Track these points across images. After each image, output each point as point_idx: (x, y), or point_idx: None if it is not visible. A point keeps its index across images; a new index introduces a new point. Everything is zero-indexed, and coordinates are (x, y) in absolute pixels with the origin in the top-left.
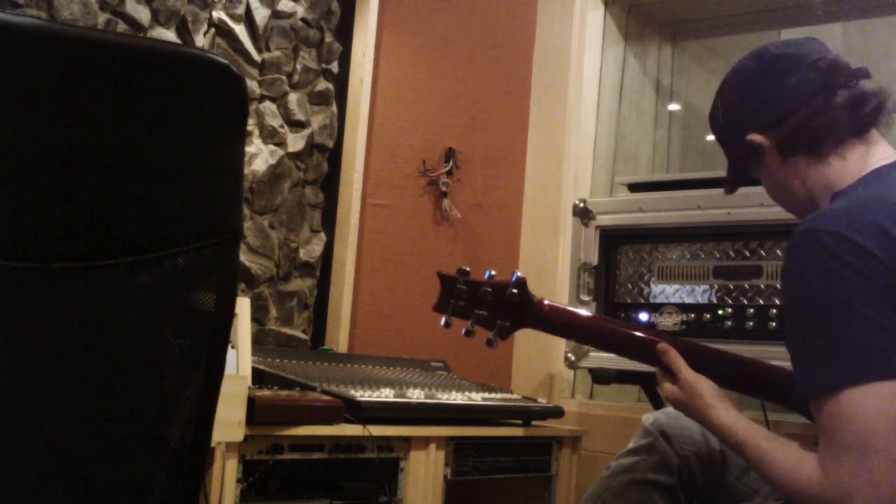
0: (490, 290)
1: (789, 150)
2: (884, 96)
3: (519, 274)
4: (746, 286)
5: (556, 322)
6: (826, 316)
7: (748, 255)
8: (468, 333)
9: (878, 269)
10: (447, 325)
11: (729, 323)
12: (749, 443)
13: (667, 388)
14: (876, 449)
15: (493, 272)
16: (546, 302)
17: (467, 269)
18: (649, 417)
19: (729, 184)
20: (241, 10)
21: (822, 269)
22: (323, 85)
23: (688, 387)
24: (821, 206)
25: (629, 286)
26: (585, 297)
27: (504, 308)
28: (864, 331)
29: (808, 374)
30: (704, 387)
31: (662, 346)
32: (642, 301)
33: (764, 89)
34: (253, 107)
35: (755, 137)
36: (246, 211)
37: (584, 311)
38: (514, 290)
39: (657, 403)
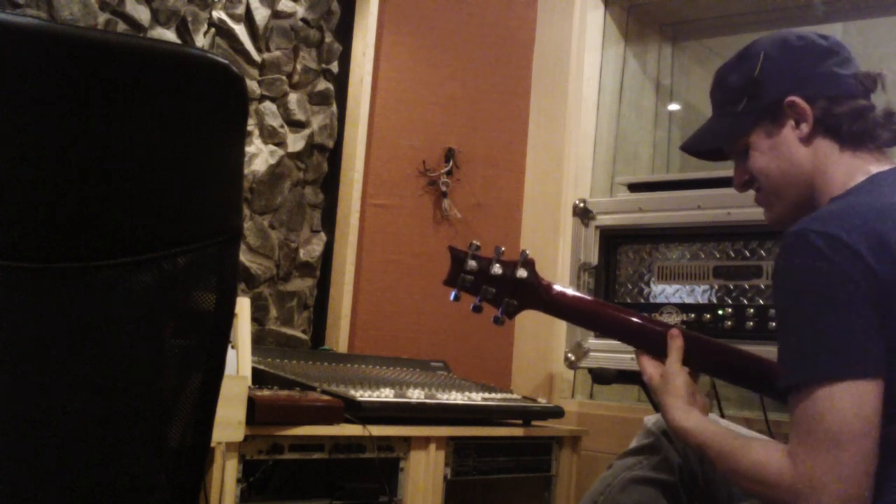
0: (499, 266)
1: (830, 128)
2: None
3: (528, 253)
4: (746, 286)
5: (562, 305)
6: (810, 313)
7: (748, 255)
8: (476, 309)
9: (866, 271)
10: (456, 298)
11: (729, 323)
12: (714, 441)
13: (648, 370)
14: (848, 445)
15: (503, 248)
16: (554, 285)
17: (478, 243)
18: (651, 418)
19: (714, 147)
20: (241, 10)
21: (810, 267)
22: (323, 85)
23: (667, 377)
24: (815, 197)
25: (629, 286)
26: None
27: (512, 286)
28: (846, 330)
29: (788, 368)
30: (680, 384)
31: (674, 330)
32: (642, 301)
33: (826, 63)
34: (253, 107)
35: (799, 100)
36: (246, 211)
37: (589, 297)
38: (523, 269)
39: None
